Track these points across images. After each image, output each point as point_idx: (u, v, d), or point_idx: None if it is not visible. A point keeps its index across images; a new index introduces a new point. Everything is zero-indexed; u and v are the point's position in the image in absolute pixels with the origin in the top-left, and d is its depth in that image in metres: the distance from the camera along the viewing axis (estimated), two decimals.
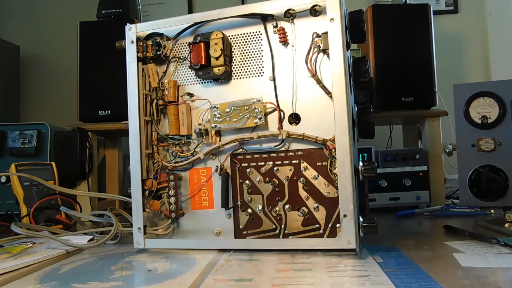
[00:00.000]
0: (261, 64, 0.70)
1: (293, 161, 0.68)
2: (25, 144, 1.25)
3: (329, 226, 0.65)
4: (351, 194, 0.61)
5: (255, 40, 0.71)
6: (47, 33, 1.87)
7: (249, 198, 0.70)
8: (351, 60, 0.72)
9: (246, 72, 0.71)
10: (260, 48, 0.70)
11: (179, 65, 0.75)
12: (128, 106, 0.75)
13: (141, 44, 0.75)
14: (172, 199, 0.73)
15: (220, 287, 0.51)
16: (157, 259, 0.67)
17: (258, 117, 0.68)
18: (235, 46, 0.72)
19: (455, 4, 1.75)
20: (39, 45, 1.87)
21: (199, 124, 0.73)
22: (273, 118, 0.69)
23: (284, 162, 0.68)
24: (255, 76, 0.71)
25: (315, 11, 0.67)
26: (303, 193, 0.67)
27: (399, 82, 1.20)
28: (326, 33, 0.64)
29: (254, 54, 0.71)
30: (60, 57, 1.84)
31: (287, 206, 0.68)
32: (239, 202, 0.71)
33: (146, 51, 0.75)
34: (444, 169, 1.24)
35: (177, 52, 0.75)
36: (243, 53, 0.71)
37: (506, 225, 0.82)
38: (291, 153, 0.68)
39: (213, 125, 0.71)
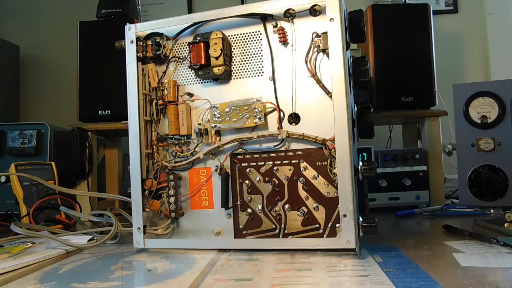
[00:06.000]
0: (260, 64, 0.70)
1: (293, 161, 0.68)
2: (24, 144, 1.25)
3: (329, 226, 0.65)
4: (351, 194, 0.61)
5: (254, 40, 0.71)
6: (47, 33, 1.87)
7: (249, 198, 0.70)
8: (351, 60, 0.72)
9: (245, 72, 0.71)
10: (259, 48, 0.70)
11: (178, 65, 0.75)
12: (127, 106, 0.75)
13: (141, 44, 0.75)
14: (172, 199, 0.73)
15: (220, 287, 0.51)
16: (156, 259, 0.67)
17: (258, 117, 0.68)
18: (235, 46, 0.72)
19: (455, 4, 1.75)
20: (39, 45, 1.87)
21: (199, 124, 0.73)
22: (272, 118, 0.69)
23: (284, 162, 0.68)
24: (255, 76, 0.71)
25: (314, 11, 0.67)
26: (302, 193, 0.67)
27: (399, 82, 1.20)
28: (326, 33, 0.64)
29: (254, 54, 0.71)
30: (60, 57, 1.84)
31: (286, 206, 0.68)
32: (238, 202, 0.71)
33: (146, 51, 0.75)
34: (444, 169, 1.24)
35: (176, 52, 0.75)
36: (243, 53, 0.71)
37: (506, 224, 0.82)
38: (290, 153, 0.68)
39: (212, 125, 0.71)
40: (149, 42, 0.75)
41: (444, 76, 1.39)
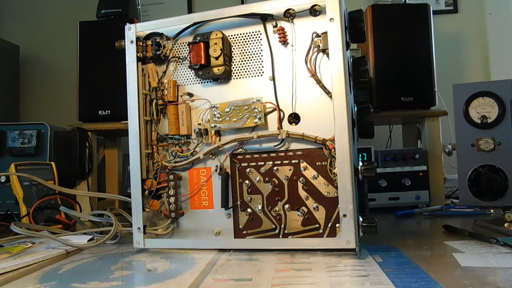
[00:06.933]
0: (260, 64, 0.70)
1: (293, 161, 0.68)
2: (24, 144, 1.25)
3: (329, 226, 0.65)
4: (351, 194, 0.61)
5: (254, 40, 0.71)
6: (47, 33, 1.87)
7: (249, 198, 0.70)
8: (351, 60, 0.72)
9: (245, 72, 0.71)
10: (259, 48, 0.70)
11: (178, 65, 0.75)
12: (128, 106, 0.75)
13: (141, 44, 0.75)
14: (172, 199, 0.73)
15: (220, 287, 0.51)
16: (156, 259, 0.67)
17: (258, 117, 0.68)
18: (235, 46, 0.72)
19: (455, 4, 1.75)
20: (39, 45, 1.87)
21: (199, 124, 0.73)
22: (272, 118, 0.69)
23: (284, 162, 0.68)
24: (255, 76, 0.71)
25: (314, 11, 0.67)
26: (302, 193, 0.67)
27: (399, 82, 1.20)
28: (326, 33, 0.64)
29: (254, 54, 0.71)
30: (60, 57, 1.84)
31: (286, 206, 0.68)
32: (238, 202, 0.71)
33: (146, 51, 0.75)
34: (444, 169, 1.24)
35: (176, 52, 0.75)
36: (243, 53, 0.71)
37: (506, 224, 0.82)
38: (290, 153, 0.68)
39: (212, 125, 0.71)
40: (149, 42, 0.75)
41: (444, 76, 1.39)
